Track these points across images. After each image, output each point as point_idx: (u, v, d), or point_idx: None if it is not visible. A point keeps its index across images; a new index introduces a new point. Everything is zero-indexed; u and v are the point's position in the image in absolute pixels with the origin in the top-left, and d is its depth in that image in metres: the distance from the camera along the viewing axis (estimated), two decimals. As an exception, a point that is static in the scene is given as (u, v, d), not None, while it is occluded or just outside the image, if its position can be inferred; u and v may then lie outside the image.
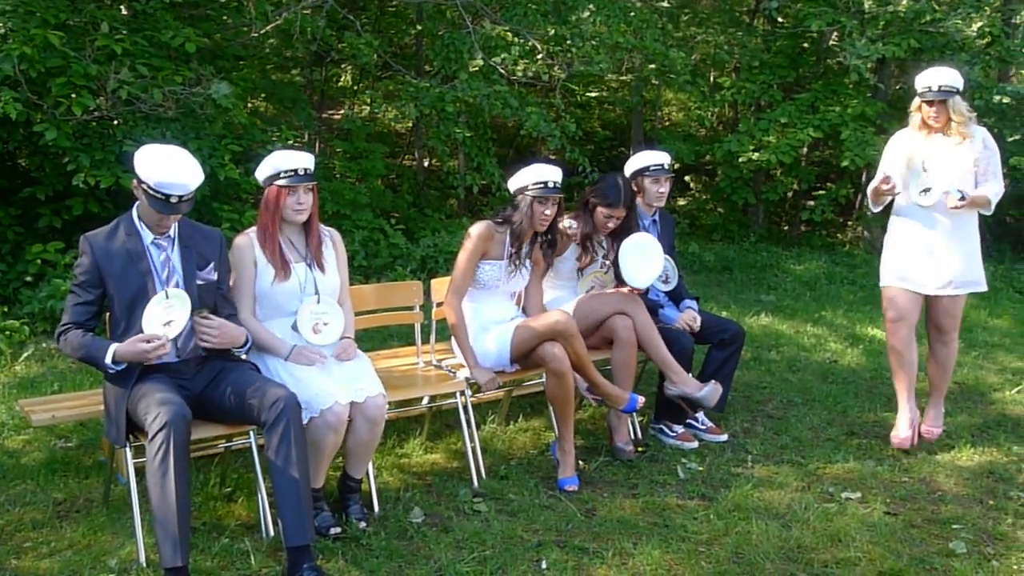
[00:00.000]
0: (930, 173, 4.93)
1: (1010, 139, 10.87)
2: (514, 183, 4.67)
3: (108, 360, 3.56)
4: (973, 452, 5.16)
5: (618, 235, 5.00)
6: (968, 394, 6.32)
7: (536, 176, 4.59)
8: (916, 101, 5.00)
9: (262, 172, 4.02)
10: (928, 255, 5.00)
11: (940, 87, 4.88)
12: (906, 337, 5.12)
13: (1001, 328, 8.53)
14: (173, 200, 3.58)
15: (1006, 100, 10.49)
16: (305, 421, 3.70)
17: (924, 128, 5.00)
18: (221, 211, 7.70)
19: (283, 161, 3.97)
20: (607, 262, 5.12)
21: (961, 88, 4.93)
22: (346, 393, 3.85)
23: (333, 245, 4.25)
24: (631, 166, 5.37)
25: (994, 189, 4.95)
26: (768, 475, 4.76)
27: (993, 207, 4.97)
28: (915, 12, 10.54)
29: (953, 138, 4.93)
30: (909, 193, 5.01)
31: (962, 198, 4.82)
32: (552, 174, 4.61)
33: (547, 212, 4.62)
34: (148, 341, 3.53)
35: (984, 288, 5.11)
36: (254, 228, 4.10)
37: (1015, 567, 3.86)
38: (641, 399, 4.77)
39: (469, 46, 9.16)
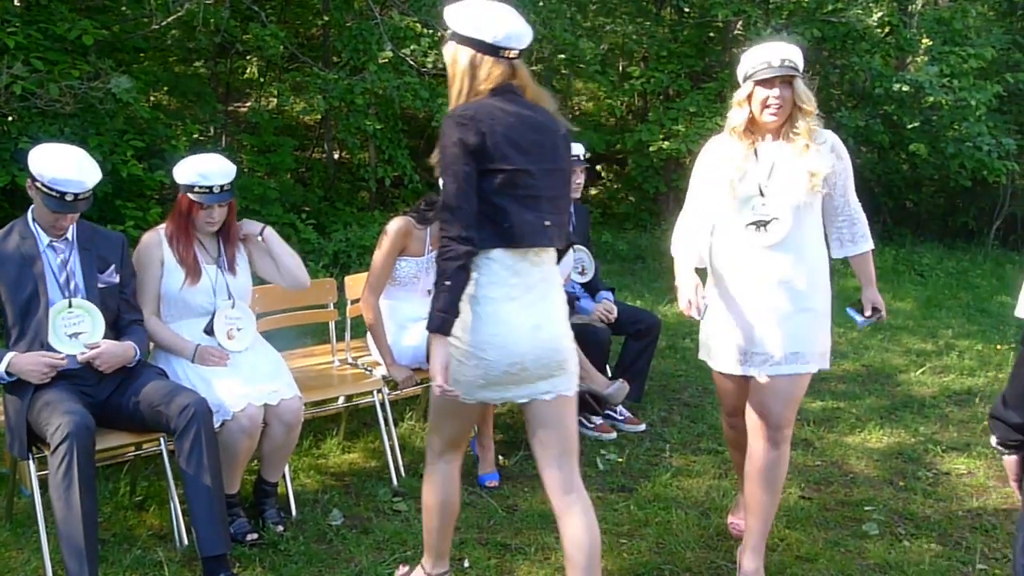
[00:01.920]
0: (770, 199, 3.39)
1: (909, 126, 11.17)
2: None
3: (2, 369, 3.42)
4: (882, 434, 5.29)
5: None
6: (875, 376, 6.47)
7: None
8: (743, 91, 3.43)
9: (179, 175, 3.87)
10: (762, 320, 3.42)
11: (784, 61, 3.35)
12: (741, 430, 3.68)
13: (904, 311, 8.77)
14: (69, 198, 3.46)
15: (905, 88, 10.75)
16: (217, 425, 3.61)
17: (750, 132, 3.45)
18: (125, 209, 7.48)
19: (198, 175, 3.82)
20: None
21: (802, 70, 3.46)
22: (259, 395, 3.77)
23: (247, 248, 4.14)
24: None
25: (864, 227, 3.60)
26: (686, 464, 4.81)
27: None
28: (818, 2, 10.76)
29: (795, 144, 3.40)
30: (733, 228, 3.46)
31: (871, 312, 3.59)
32: None
33: None
34: (51, 359, 3.44)
35: (827, 366, 3.57)
36: (163, 225, 3.97)
37: (926, 546, 3.96)
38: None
39: (377, 37, 9.04)
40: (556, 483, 3.08)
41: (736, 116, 3.46)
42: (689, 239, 3.57)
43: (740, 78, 3.45)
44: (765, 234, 3.39)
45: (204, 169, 3.83)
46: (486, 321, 2.89)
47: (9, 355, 3.45)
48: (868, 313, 3.57)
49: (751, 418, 3.54)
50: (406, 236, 4.55)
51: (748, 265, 3.44)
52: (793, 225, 3.38)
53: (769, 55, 3.37)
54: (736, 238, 3.45)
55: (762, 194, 3.40)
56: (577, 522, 3.03)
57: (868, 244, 3.60)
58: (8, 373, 3.45)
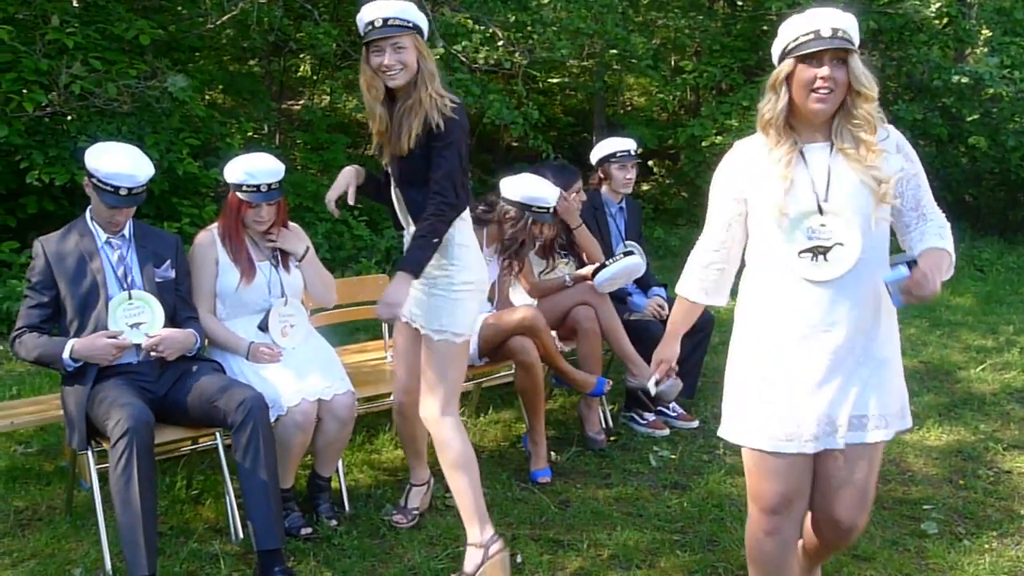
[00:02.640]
0: (831, 218, 2.64)
1: (968, 119, 10.96)
2: (512, 191, 4.58)
3: (66, 355, 3.49)
4: (941, 431, 5.19)
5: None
6: (934, 373, 6.36)
7: (540, 196, 4.55)
8: (780, 71, 2.66)
9: (229, 174, 3.92)
10: (818, 378, 2.68)
11: (836, 31, 2.59)
12: (785, 542, 2.82)
13: (963, 307, 8.60)
14: (123, 193, 3.55)
15: (964, 80, 10.55)
16: (272, 420, 3.65)
17: (790, 128, 2.69)
18: (181, 206, 7.59)
19: (245, 175, 3.86)
20: (567, 253, 5.13)
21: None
22: (313, 390, 3.80)
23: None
24: (597, 153, 5.37)
25: (943, 229, 2.74)
26: (740, 461, 4.71)
27: (954, 260, 2.70)
28: (874, -7, 10.60)
29: (854, 141, 2.65)
30: (777, 258, 2.69)
31: (911, 273, 2.54)
32: (552, 195, 4.60)
33: (542, 233, 4.70)
34: (113, 338, 3.51)
35: (909, 424, 2.87)
36: (215, 224, 4.02)
37: (986, 546, 3.88)
38: (608, 382, 4.77)
39: (429, 34, 9.05)
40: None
41: (771, 105, 2.66)
42: (698, 273, 2.95)
43: (776, 56, 2.68)
44: (826, 265, 2.63)
45: (252, 168, 3.87)
46: (473, 260, 3.51)
47: (71, 341, 3.52)
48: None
49: (811, 517, 2.87)
50: None
51: (800, 306, 2.66)
52: (863, 250, 2.62)
53: (816, 23, 2.60)
54: (782, 271, 2.68)
55: (821, 212, 2.63)
56: None
57: (951, 269, 2.68)
58: (73, 360, 3.51)
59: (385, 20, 3.32)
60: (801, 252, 2.65)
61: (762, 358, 2.75)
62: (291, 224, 4.21)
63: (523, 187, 4.55)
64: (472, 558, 3.48)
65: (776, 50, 2.69)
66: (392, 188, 3.60)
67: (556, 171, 5.05)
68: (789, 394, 2.70)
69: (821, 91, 2.60)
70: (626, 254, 4.98)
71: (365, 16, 3.36)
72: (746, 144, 2.82)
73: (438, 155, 3.30)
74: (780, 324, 2.70)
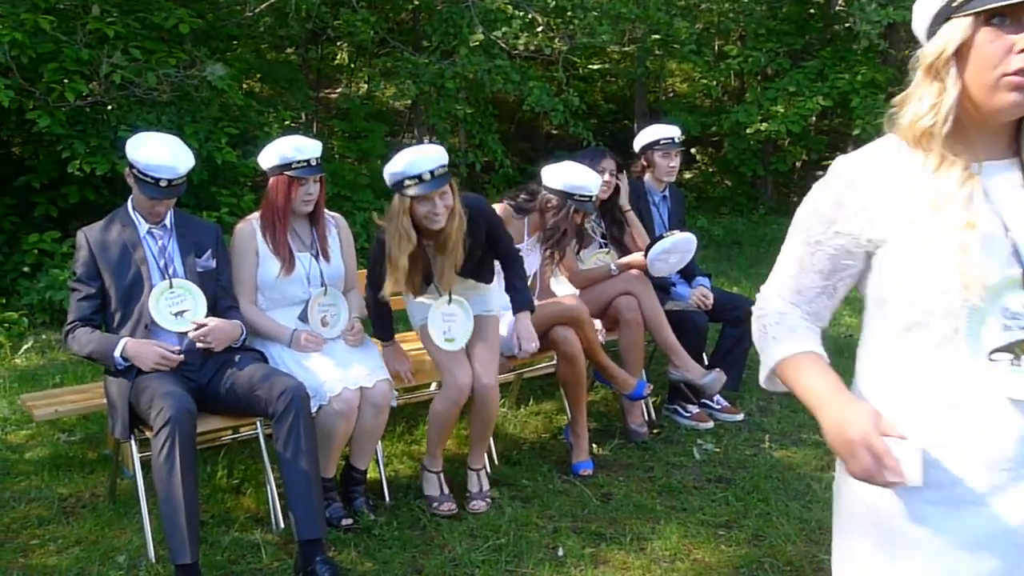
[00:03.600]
0: None
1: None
2: (554, 180, 4.57)
3: (117, 354, 3.56)
4: None
5: (608, 205, 5.13)
6: None
7: (582, 184, 4.54)
8: (950, 38, 1.60)
9: (268, 160, 3.98)
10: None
11: None
12: None
13: None
14: (163, 184, 3.61)
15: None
16: (314, 410, 3.69)
17: (963, 139, 1.65)
18: (219, 196, 7.68)
19: (294, 150, 3.93)
20: (605, 242, 5.14)
21: None
22: (355, 379, 3.84)
23: (338, 231, 4.22)
24: (640, 140, 5.36)
25: None
26: (786, 455, 4.75)
27: None
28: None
29: None
30: (956, 364, 1.65)
31: None
32: (595, 183, 4.59)
33: (584, 222, 4.74)
34: (165, 351, 3.59)
35: None
36: (256, 215, 4.07)
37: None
38: (649, 386, 4.78)
39: (468, 20, 9.09)
40: None
41: (932, 102, 1.63)
42: (797, 328, 1.92)
43: (927, 18, 1.66)
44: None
45: (295, 145, 3.95)
46: None
47: (124, 340, 3.59)
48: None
49: None
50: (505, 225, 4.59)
51: (989, 440, 1.64)
52: None
53: None
54: (954, 382, 1.65)
55: None
56: None
57: None
58: (123, 358, 3.58)
59: (432, 172, 3.71)
60: (995, 352, 1.62)
61: (905, 519, 1.71)
62: (333, 215, 4.25)
63: (565, 175, 4.55)
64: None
65: (928, 8, 1.66)
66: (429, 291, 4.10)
67: (589, 156, 5.06)
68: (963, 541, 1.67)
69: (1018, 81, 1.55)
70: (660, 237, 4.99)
71: (407, 170, 3.72)
72: (880, 152, 1.73)
73: (496, 238, 4.12)
74: (949, 469, 1.66)
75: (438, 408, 4.08)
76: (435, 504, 4.07)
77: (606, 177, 5.00)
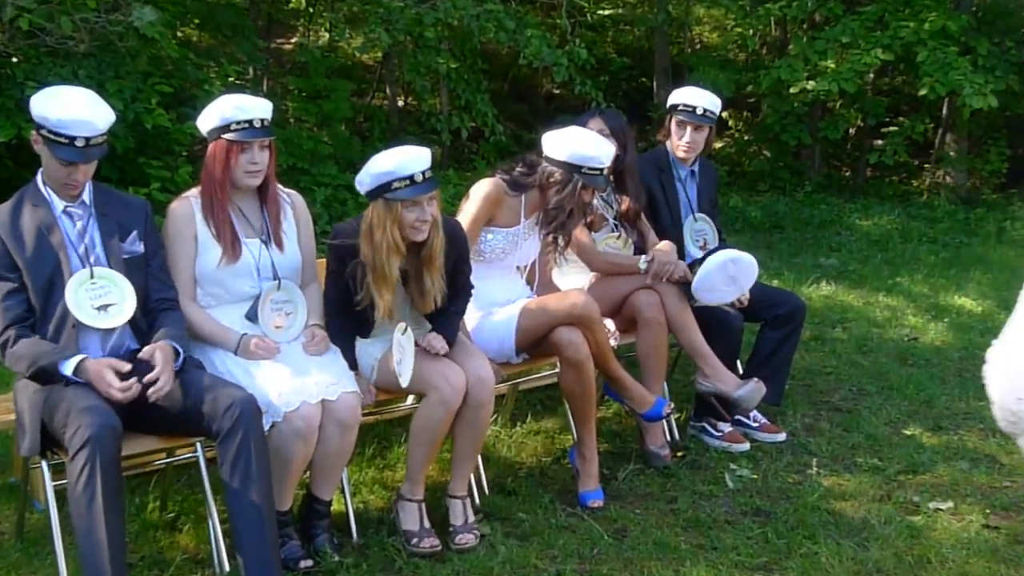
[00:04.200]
0: None
1: None
2: (557, 149, 4.56)
3: (69, 371, 3.52)
4: (1089, 449, 5.16)
5: (620, 179, 5.13)
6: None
7: (592, 155, 4.53)
8: None
9: (206, 122, 3.98)
10: None
11: None
12: None
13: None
14: (80, 144, 3.58)
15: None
16: (267, 428, 3.68)
17: None
18: (149, 168, 7.66)
19: (233, 109, 3.92)
20: (618, 224, 5.15)
21: None
22: (315, 390, 3.83)
23: (294, 212, 4.22)
24: (669, 98, 5.37)
25: None
26: (837, 483, 4.77)
27: None
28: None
29: None
30: None
31: None
32: (607, 154, 4.59)
33: (592, 201, 4.72)
34: (125, 378, 3.54)
35: None
36: (194, 191, 4.07)
37: None
38: (670, 404, 4.80)
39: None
40: None
41: None
42: None
43: None
44: None
45: (237, 102, 3.94)
46: None
47: (79, 357, 3.56)
48: None
49: None
50: (496, 204, 4.58)
51: None
52: None
53: None
54: None
55: None
56: None
57: None
58: (75, 376, 3.54)
59: (424, 174, 3.92)
60: None
61: None
62: (289, 192, 4.25)
63: (571, 144, 4.53)
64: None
65: None
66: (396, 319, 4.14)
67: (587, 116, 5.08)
68: None
69: None
70: (710, 252, 5.00)
71: (398, 170, 3.90)
72: None
73: (460, 269, 4.30)
74: None
75: (425, 418, 4.09)
76: (415, 541, 4.07)
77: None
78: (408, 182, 3.90)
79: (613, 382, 4.72)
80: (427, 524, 4.13)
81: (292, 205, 4.23)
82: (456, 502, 4.23)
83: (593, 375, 4.53)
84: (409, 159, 3.93)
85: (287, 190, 4.26)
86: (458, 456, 4.24)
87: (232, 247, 3.97)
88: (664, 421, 5.03)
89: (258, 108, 3.96)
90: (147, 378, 3.55)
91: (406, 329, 4.08)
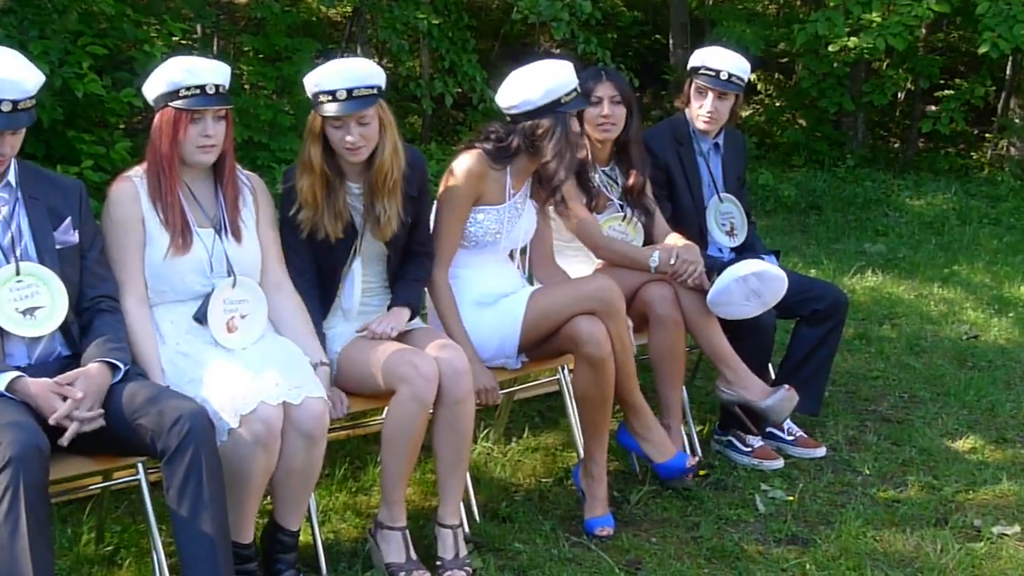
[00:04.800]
0: None
1: None
2: (524, 97, 4.55)
3: (1, 387, 3.50)
4: None
5: (624, 152, 5.14)
6: None
7: (560, 81, 4.52)
8: None
9: (152, 88, 3.94)
10: None
11: None
12: None
13: None
14: (5, 108, 3.55)
15: None
16: (221, 440, 3.66)
17: None
18: (80, 143, 7.61)
19: (183, 72, 3.88)
20: (624, 204, 5.15)
21: None
22: (276, 392, 3.78)
23: (253, 197, 4.21)
24: (690, 60, 5.38)
25: None
26: (886, 504, 4.78)
27: None
28: None
29: None
30: None
31: None
32: (567, 70, 4.58)
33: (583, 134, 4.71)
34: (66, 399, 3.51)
35: None
36: (138, 170, 4.04)
37: None
38: (693, 459, 4.79)
39: None
40: None
41: None
42: None
43: None
44: None
45: (191, 64, 3.92)
46: None
47: (14, 374, 3.53)
48: None
49: None
50: (482, 179, 4.58)
51: None
52: None
53: None
54: None
55: None
56: None
57: None
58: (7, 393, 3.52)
59: (351, 92, 4.07)
60: None
61: None
62: (248, 175, 4.24)
63: (534, 84, 4.54)
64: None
65: None
66: (349, 266, 4.38)
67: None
68: None
69: None
70: (731, 262, 4.98)
71: (322, 83, 4.11)
72: None
73: (424, 216, 4.53)
74: None
75: (397, 419, 4.07)
76: (447, 574, 4.09)
77: (604, 110, 5.00)
78: (330, 97, 4.08)
79: (628, 412, 4.72)
80: (413, 555, 4.13)
81: (252, 190, 4.22)
82: (446, 532, 4.21)
83: (613, 376, 4.50)
84: (338, 71, 4.11)
85: (246, 172, 4.25)
86: (443, 472, 4.22)
87: (182, 236, 3.94)
88: (683, 434, 5.03)
89: (212, 72, 3.94)
90: (52, 418, 3.47)
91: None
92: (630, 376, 4.59)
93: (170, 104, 3.89)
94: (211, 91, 3.91)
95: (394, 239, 4.36)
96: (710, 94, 5.28)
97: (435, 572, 4.12)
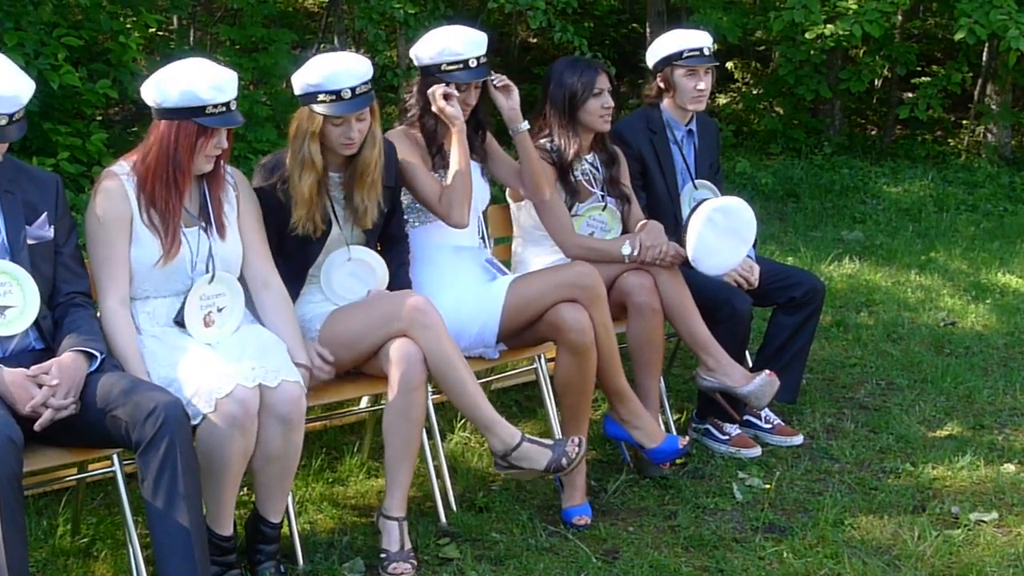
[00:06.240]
0: None
1: None
2: (422, 56, 4.75)
3: None
4: None
5: (601, 140, 5.17)
6: None
7: (449, 47, 4.65)
8: None
9: (165, 95, 3.85)
10: None
11: None
12: None
13: None
14: (1, 122, 3.54)
15: None
16: (195, 422, 3.63)
17: None
18: (56, 135, 7.59)
19: (210, 91, 3.82)
20: (604, 194, 5.17)
21: None
22: (252, 375, 3.76)
23: (236, 193, 4.18)
24: (657, 52, 5.35)
25: None
26: (864, 492, 4.78)
27: None
28: None
29: None
30: None
31: None
32: (465, 40, 4.68)
33: (470, 103, 4.73)
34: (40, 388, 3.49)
35: None
36: (123, 163, 3.99)
37: None
38: (685, 439, 4.77)
39: None
40: None
41: None
42: None
43: None
44: None
45: (215, 78, 3.85)
46: None
47: None
48: None
49: None
50: (416, 147, 4.73)
51: None
52: None
53: None
54: None
55: None
56: None
57: None
58: None
59: (354, 90, 4.12)
60: None
61: None
62: (232, 170, 4.21)
63: (431, 43, 4.71)
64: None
65: None
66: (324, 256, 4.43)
67: (570, 66, 5.08)
68: None
69: None
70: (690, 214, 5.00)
71: (325, 83, 4.10)
72: None
73: (398, 204, 4.62)
74: None
75: (399, 382, 4.13)
76: (391, 566, 4.09)
77: (607, 101, 5.00)
78: (334, 97, 4.11)
79: (613, 399, 4.72)
80: (408, 545, 4.17)
81: (234, 185, 4.19)
82: (391, 524, 4.21)
83: (595, 364, 4.52)
84: (340, 71, 4.13)
85: (228, 167, 4.21)
86: (391, 462, 4.24)
87: (173, 243, 3.93)
88: (660, 423, 5.02)
89: (233, 86, 3.92)
90: (28, 406, 3.47)
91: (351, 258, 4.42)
92: (615, 362, 4.60)
93: (196, 120, 3.84)
94: (233, 107, 3.91)
95: (374, 227, 4.42)
96: (700, 72, 5.30)
97: (380, 564, 4.13)
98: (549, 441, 4.17)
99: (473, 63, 4.59)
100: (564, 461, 4.07)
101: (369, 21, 9.90)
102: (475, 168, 4.78)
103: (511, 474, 4.22)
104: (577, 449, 4.09)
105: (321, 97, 4.10)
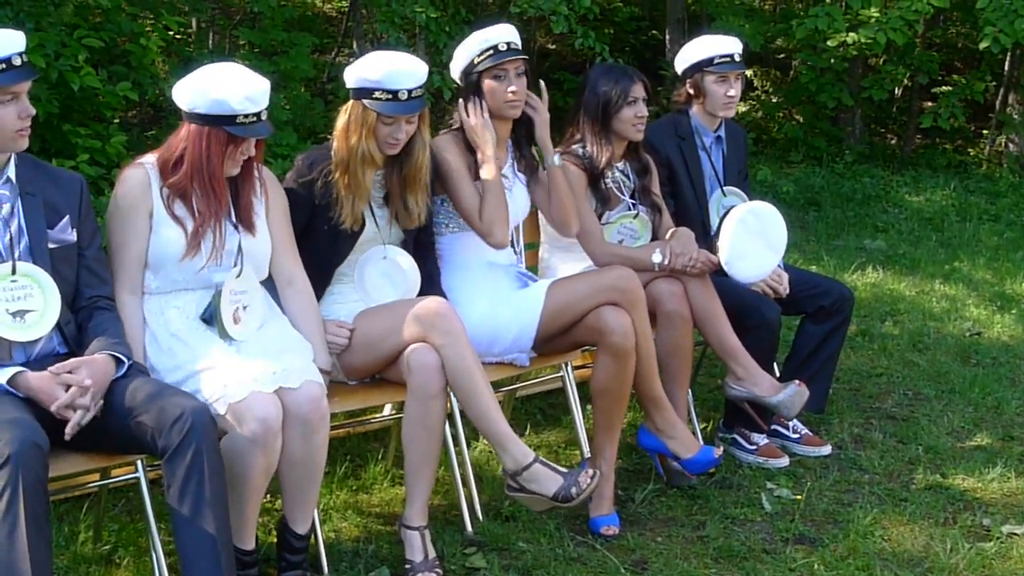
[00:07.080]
0: None
1: None
2: (452, 64, 4.81)
3: (3, 379, 3.48)
4: None
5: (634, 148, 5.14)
6: None
7: (477, 44, 4.68)
8: None
9: (196, 101, 3.84)
10: None
11: None
12: None
13: None
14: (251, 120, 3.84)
15: None
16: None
17: None
18: (76, 136, 7.58)
19: (244, 100, 3.82)
20: (635, 202, 5.15)
21: None
22: (268, 376, 3.73)
23: (264, 191, 4.17)
24: (687, 58, 5.33)
25: None
26: (894, 503, 4.76)
27: None
28: None
29: None
30: None
31: None
32: (501, 34, 4.71)
33: (513, 89, 4.66)
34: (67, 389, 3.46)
35: None
36: (151, 157, 3.97)
37: None
38: (718, 449, 4.75)
39: None
40: None
41: None
42: None
43: None
44: None
45: (249, 88, 3.85)
46: None
47: (12, 370, 3.50)
48: None
49: None
50: (462, 155, 4.70)
51: None
52: None
53: None
54: None
55: None
56: None
57: None
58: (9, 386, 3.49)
59: (411, 92, 4.19)
60: None
61: None
62: (262, 169, 4.20)
63: (459, 51, 4.80)
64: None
65: None
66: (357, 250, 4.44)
67: (605, 73, 5.05)
68: None
69: None
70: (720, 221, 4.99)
71: (385, 82, 4.16)
72: None
73: (432, 210, 4.61)
74: None
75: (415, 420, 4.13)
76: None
77: (642, 110, 4.95)
78: (391, 97, 4.17)
79: (648, 405, 4.69)
80: (432, 554, 4.17)
81: (262, 181, 4.18)
82: (413, 534, 4.20)
83: (634, 369, 4.50)
84: (398, 72, 4.19)
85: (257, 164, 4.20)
86: (410, 471, 4.23)
87: (196, 232, 3.91)
88: (688, 433, 4.98)
89: (264, 96, 3.93)
90: (55, 406, 3.45)
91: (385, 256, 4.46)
92: (652, 368, 4.60)
93: (226, 128, 3.84)
94: (263, 117, 3.92)
95: (415, 228, 4.50)
96: (730, 78, 5.29)
97: (405, 574, 4.12)
98: (563, 469, 4.12)
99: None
100: (574, 491, 4.01)
101: (390, 25, 9.89)
102: (520, 180, 4.80)
103: (519, 499, 4.18)
104: (589, 482, 4.03)
105: (377, 94, 4.16)
